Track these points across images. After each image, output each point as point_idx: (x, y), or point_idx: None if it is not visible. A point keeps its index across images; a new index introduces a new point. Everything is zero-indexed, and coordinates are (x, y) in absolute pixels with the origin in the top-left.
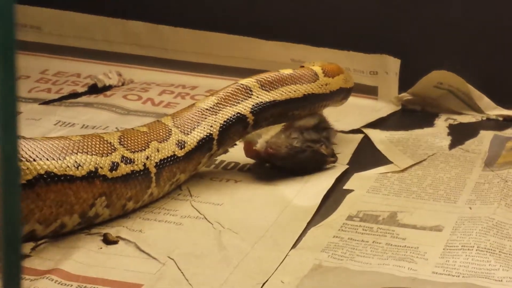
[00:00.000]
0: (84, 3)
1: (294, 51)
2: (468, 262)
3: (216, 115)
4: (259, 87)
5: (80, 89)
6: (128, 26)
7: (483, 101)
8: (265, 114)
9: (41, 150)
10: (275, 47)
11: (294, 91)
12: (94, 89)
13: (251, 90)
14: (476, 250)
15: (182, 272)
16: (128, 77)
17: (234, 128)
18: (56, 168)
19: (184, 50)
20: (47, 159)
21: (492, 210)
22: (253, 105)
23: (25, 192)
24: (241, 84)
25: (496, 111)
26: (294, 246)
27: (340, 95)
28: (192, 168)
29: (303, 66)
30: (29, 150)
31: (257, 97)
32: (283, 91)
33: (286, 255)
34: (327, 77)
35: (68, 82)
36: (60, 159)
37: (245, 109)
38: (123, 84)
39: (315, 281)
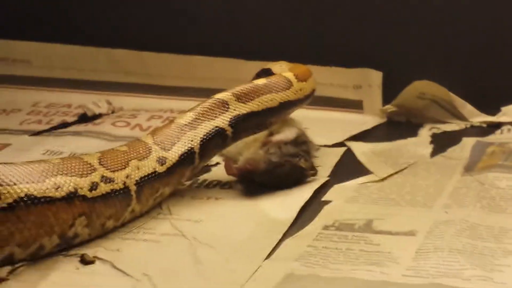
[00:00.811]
0: (70, 34)
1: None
2: (439, 263)
3: (195, 129)
4: (235, 100)
5: (70, 119)
6: (113, 54)
7: (466, 109)
8: (243, 125)
9: (21, 174)
10: (258, 66)
11: (271, 100)
12: (84, 118)
13: (227, 104)
14: (448, 251)
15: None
16: (117, 105)
17: (213, 141)
18: (36, 190)
19: (168, 75)
20: (27, 182)
21: (467, 212)
22: (231, 118)
23: (5, 215)
24: (218, 98)
25: (480, 118)
26: (268, 257)
27: (311, 96)
28: (176, 181)
29: (267, 69)
30: (9, 174)
31: (234, 110)
32: (259, 102)
33: (259, 266)
34: (300, 82)
35: (59, 113)
36: (39, 182)
37: (223, 123)
38: (113, 112)
39: None
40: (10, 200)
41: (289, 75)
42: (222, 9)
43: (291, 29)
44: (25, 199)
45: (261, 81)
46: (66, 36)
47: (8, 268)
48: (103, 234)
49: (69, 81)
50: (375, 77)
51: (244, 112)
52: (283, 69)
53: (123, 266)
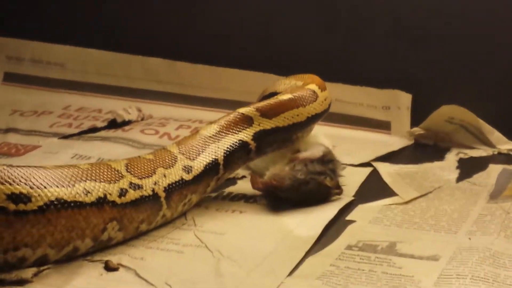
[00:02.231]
0: (105, 40)
1: None
2: None
3: (219, 142)
4: (260, 116)
5: (100, 124)
6: (147, 62)
7: (494, 135)
8: (268, 140)
9: (51, 177)
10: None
11: (297, 115)
12: (114, 124)
13: (252, 119)
14: (470, 279)
15: None
16: (147, 112)
17: (237, 154)
18: (66, 194)
19: (201, 85)
20: (57, 186)
21: (491, 240)
22: (255, 133)
23: (36, 218)
24: (241, 113)
25: (507, 146)
26: (290, 274)
27: (331, 104)
28: (202, 190)
29: (272, 93)
30: (39, 177)
31: (258, 125)
32: (285, 117)
33: (282, 283)
34: (323, 91)
35: (89, 118)
36: (69, 186)
37: (246, 137)
38: (142, 119)
39: None
40: (40, 203)
41: (313, 86)
42: (256, 24)
43: (322, 48)
44: (55, 202)
45: (286, 96)
46: (101, 42)
47: (33, 270)
48: (138, 236)
49: (101, 86)
50: (404, 99)
51: (268, 127)
52: (292, 84)
53: (146, 274)
